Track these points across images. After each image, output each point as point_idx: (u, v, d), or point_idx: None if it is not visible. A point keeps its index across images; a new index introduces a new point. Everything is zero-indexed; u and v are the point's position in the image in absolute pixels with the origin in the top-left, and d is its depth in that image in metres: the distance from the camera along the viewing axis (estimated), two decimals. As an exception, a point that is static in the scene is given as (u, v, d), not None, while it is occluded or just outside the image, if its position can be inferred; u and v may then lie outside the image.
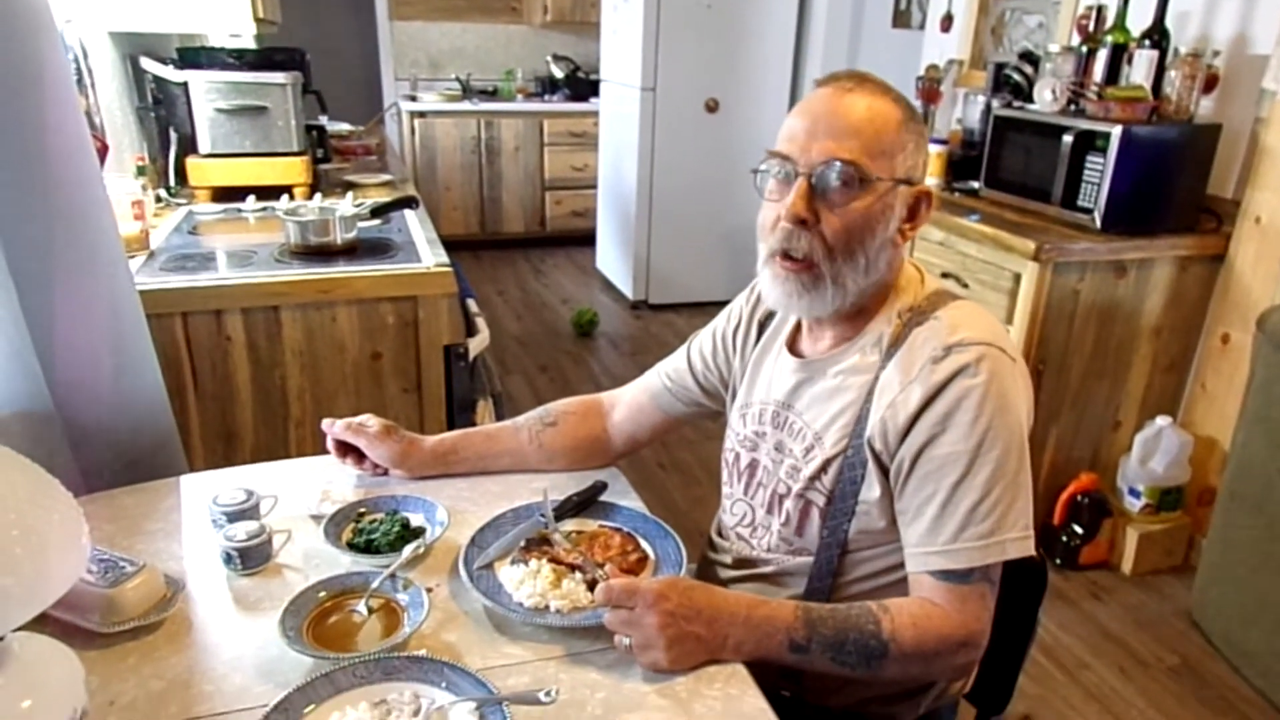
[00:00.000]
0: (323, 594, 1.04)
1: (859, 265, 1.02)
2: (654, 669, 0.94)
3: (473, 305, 2.10)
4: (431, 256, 2.03)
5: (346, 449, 1.32)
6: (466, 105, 5.60)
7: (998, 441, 0.96)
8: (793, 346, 1.16)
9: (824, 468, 1.07)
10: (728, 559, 1.22)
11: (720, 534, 1.27)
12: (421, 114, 5.47)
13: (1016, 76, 2.82)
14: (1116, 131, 2.25)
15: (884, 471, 1.03)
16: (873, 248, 1.02)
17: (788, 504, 1.12)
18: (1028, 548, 0.98)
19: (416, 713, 0.87)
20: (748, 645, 0.96)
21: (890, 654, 0.97)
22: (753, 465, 1.19)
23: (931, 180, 2.93)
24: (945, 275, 2.55)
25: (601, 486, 1.28)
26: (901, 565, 1.05)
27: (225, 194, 2.53)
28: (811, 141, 1.00)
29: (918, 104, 3.23)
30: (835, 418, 1.07)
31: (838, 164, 0.98)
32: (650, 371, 1.37)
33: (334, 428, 1.30)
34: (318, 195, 2.52)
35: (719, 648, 0.96)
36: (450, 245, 2.25)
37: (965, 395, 0.97)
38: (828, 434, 1.08)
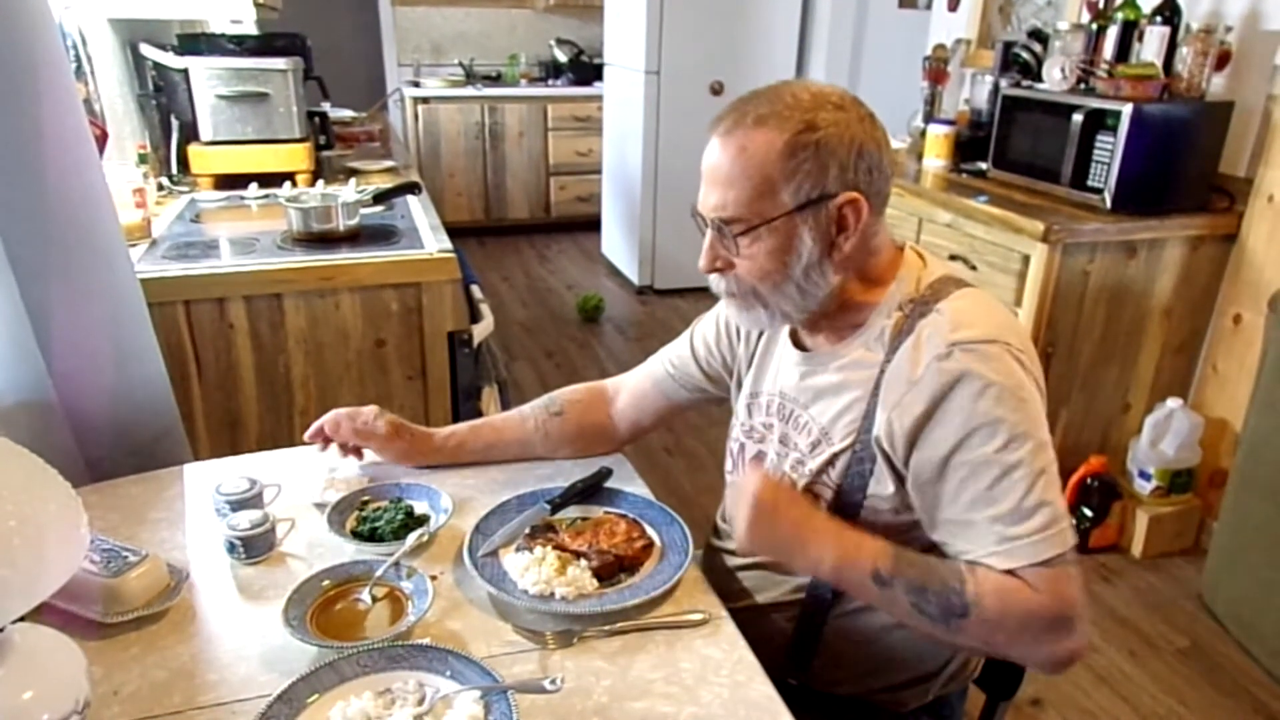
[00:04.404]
0: (326, 583, 1.04)
1: (787, 293, 1.02)
2: (736, 540, 0.97)
3: (476, 291, 2.09)
4: (435, 242, 2.02)
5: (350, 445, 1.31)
6: (470, 90, 5.57)
7: (1027, 434, 0.94)
8: (796, 338, 1.14)
9: (831, 462, 1.06)
10: (732, 545, 1.21)
11: (725, 520, 1.26)
12: (425, 100, 5.45)
13: (1025, 55, 2.79)
14: (1127, 110, 2.22)
15: (894, 469, 1.01)
16: (795, 276, 1.01)
17: None
18: (1073, 534, 0.96)
19: (421, 701, 0.87)
20: (829, 560, 0.97)
21: (971, 616, 0.93)
22: (759, 457, 1.18)
23: (938, 162, 2.91)
24: (953, 257, 2.53)
25: (606, 473, 1.27)
26: None
27: (227, 181, 2.52)
28: (706, 196, 1.02)
29: (924, 85, 3.20)
30: (841, 413, 1.06)
31: (719, 223, 1.00)
32: (654, 357, 1.36)
33: (340, 431, 1.28)
34: (320, 182, 2.51)
35: (798, 550, 0.97)
36: (455, 232, 2.24)
37: (980, 397, 0.94)
38: (834, 429, 1.06)
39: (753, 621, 1.08)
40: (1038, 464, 0.94)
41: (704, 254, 1.04)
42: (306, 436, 1.30)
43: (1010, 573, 0.94)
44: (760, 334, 1.20)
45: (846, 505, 1.05)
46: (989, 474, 0.94)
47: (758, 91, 1.01)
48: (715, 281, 1.07)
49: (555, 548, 1.09)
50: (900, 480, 1.01)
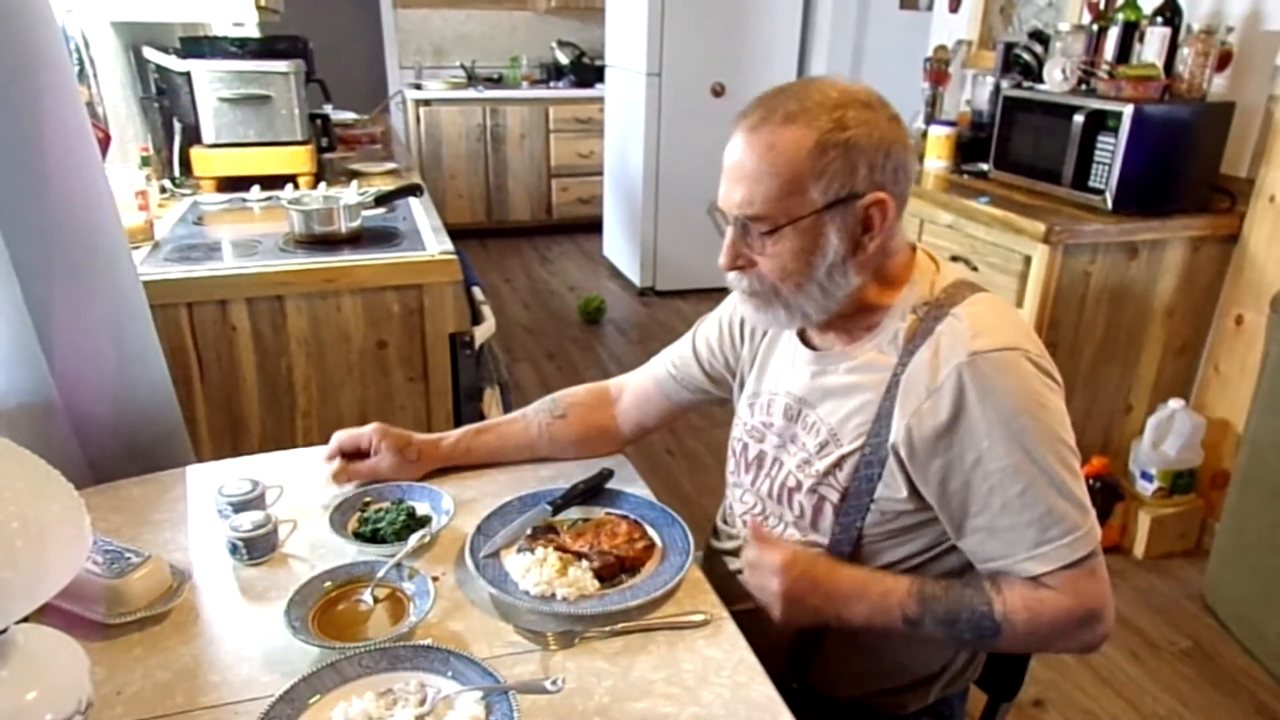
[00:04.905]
0: (328, 584, 1.04)
1: (809, 292, 1.01)
2: (774, 616, 1.02)
3: (478, 293, 2.09)
4: (436, 244, 2.02)
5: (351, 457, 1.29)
6: (471, 93, 5.58)
7: (1050, 440, 0.95)
8: (804, 336, 1.13)
9: (839, 464, 1.05)
10: (732, 546, 1.21)
11: (726, 521, 1.25)
12: (426, 102, 5.46)
13: (1026, 56, 2.79)
14: (1128, 111, 2.22)
15: (906, 474, 1.01)
16: (818, 276, 1.00)
17: (799, 498, 1.10)
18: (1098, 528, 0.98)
19: (422, 702, 0.87)
20: (862, 617, 1.01)
21: (1004, 633, 0.97)
22: (760, 456, 1.17)
23: (940, 163, 2.91)
24: (955, 258, 2.53)
25: (608, 474, 1.27)
26: (919, 554, 1.05)
27: (230, 184, 2.53)
28: (729, 192, 1.00)
29: (925, 87, 3.20)
30: (851, 415, 1.05)
31: (744, 220, 0.99)
32: (656, 358, 1.36)
33: (350, 464, 1.26)
34: (322, 184, 2.51)
35: (830, 615, 1.02)
36: (457, 234, 2.25)
37: (1001, 407, 0.94)
38: (844, 431, 1.06)
39: (753, 624, 1.07)
40: (1063, 467, 0.95)
41: (725, 252, 1.02)
42: (325, 457, 1.27)
43: (1037, 577, 0.96)
44: (764, 333, 1.20)
45: (853, 508, 1.05)
46: (1018, 482, 0.94)
47: (785, 87, 1.00)
48: (735, 279, 1.05)
49: (557, 549, 1.09)
50: (912, 485, 1.01)
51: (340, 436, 1.27)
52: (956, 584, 1.00)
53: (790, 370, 1.14)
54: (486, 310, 2.08)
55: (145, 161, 2.43)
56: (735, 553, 1.20)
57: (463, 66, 5.95)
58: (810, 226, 0.97)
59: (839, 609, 1.01)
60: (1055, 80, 2.48)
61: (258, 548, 1.11)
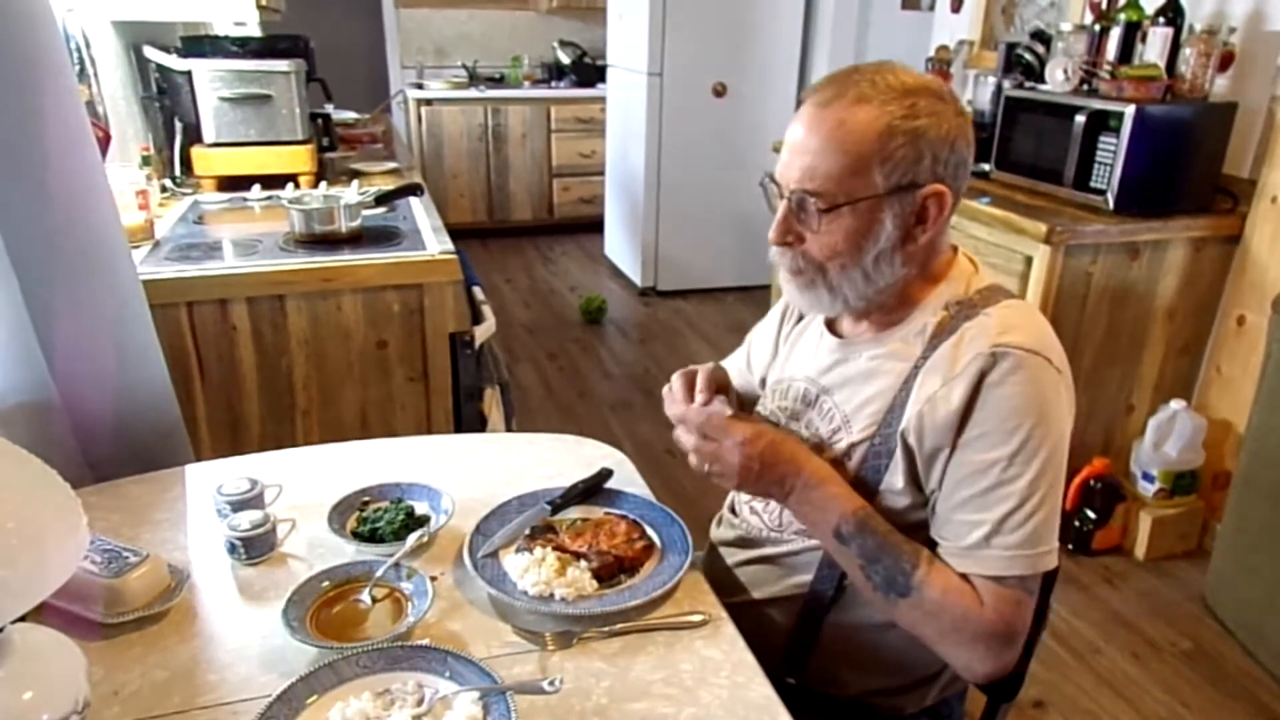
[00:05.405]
0: (326, 583, 1.04)
1: (853, 277, 1.01)
2: (722, 487, 1.06)
3: (478, 293, 2.09)
4: (436, 244, 2.02)
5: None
6: (473, 92, 5.58)
7: (1038, 452, 0.94)
8: (832, 325, 1.14)
9: (848, 452, 1.05)
10: (733, 536, 1.21)
11: (734, 511, 1.25)
12: (428, 101, 5.46)
13: (1028, 57, 2.79)
14: (1130, 111, 2.21)
15: (911, 466, 1.00)
16: (865, 261, 0.99)
17: None
18: (1053, 562, 0.97)
19: (420, 702, 0.87)
20: (800, 507, 1.03)
21: (910, 599, 0.96)
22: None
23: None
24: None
25: (607, 474, 1.27)
26: None
27: (230, 183, 2.53)
28: (789, 165, 0.99)
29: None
30: (866, 403, 1.05)
31: (802, 194, 0.98)
32: (735, 354, 1.39)
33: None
34: (323, 184, 2.51)
35: (782, 498, 1.04)
36: (458, 233, 2.24)
37: (1006, 403, 0.94)
38: (856, 419, 1.06)
39: (750, 617, 1.08)
40: (1039, 485, 0.94)
41: (776, 226, 1.01)
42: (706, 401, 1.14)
43: (966, 578, 0.95)
44: (796, 321, 1.21)
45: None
46: (987, 479, 0.94)
47: (857, 68, 1.00)
48: (779, 255, 1.04)
49: (555, 549, 1.09)
50: (913, 477, 1.00)
51: (703, 378, 1.16)
52: (898, 533, 0.99)
53: (813, 356, 1.14)
54: (487, 310, 2.08)
55: (146, 161, 2.43)
56: (738, 543, 1.20)
57: (464, 66, 5.95)
58: (868, 210, 0.97)
59: (788, 494, 1.02)
60: (1057, 80, 2.48)
61: (256, 547, 1.11)
